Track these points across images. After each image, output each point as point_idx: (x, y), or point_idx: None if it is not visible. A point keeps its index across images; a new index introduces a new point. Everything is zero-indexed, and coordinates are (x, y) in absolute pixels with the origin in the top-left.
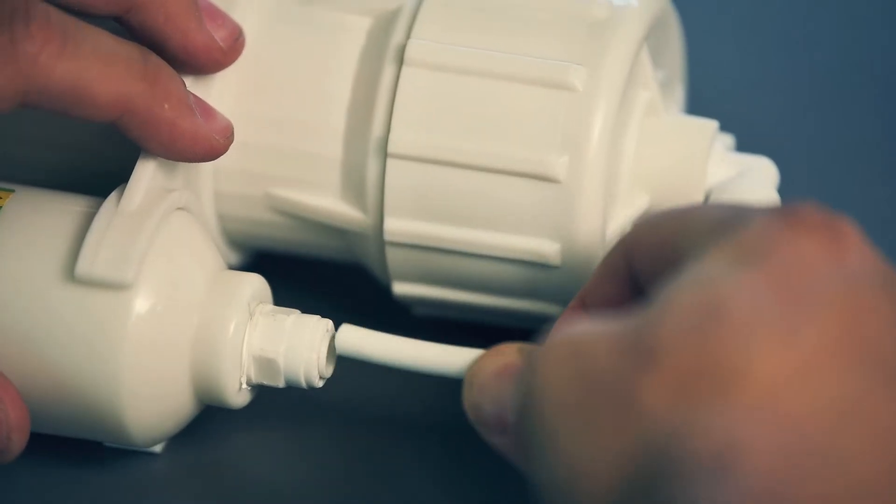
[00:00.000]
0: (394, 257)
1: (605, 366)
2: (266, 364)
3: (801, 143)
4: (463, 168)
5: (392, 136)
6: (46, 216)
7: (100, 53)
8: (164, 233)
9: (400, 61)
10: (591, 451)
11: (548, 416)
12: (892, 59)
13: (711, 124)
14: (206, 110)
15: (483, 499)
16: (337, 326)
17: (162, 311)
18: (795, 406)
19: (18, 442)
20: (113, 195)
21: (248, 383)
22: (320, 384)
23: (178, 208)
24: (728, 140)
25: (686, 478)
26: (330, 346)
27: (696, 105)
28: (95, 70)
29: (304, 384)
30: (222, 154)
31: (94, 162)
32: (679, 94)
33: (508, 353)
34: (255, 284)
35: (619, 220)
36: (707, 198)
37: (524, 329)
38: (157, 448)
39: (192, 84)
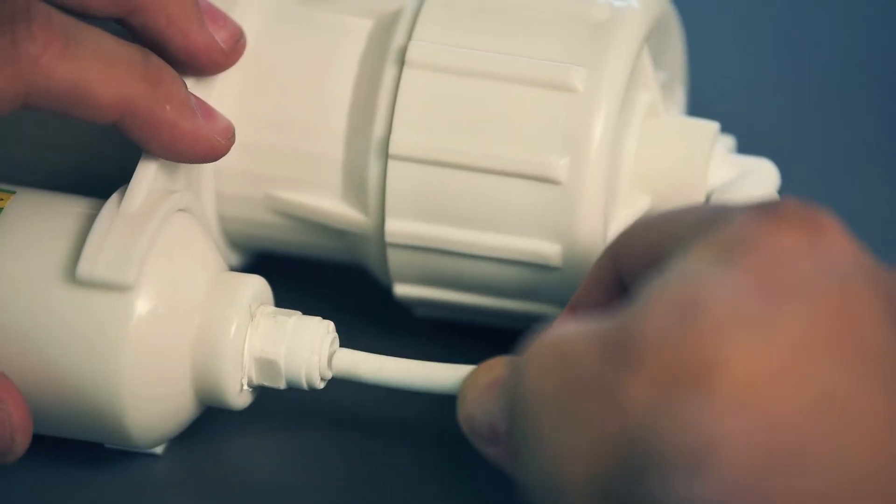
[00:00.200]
0: (395, 259)
1: (586, 364)
2: (267, 365)
3: (801, 145)
4: (464, 169)
5: (393, 138)
6: (47, 217)
7: (101, 54)
8: (166, 234)
9: (401, 63)
10: (574, 447)
11: (532, 415)
12: (892, 60)
13: (712, 126)
14: (208, 111)
15: (481, 502)
16: (338, 328)
17: (163, 313)
18: (775, 401)
19: (22, 443)
20: (114, 197)
21: (250, 385)
22: (321, 385)
23: (180, 210)
24: (729, 141)
25: (664, 472)
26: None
27: (697, 106)
28: (97, 71)
29: (305, 385)
30: (224, 155)
31: (95, 163)
32: (680, 95)
33: (498, 366)
34: (257, 286)
35: (620, 221)
36: (708, 199)
37: (524, 330)
38: (158, 449)
39: (193, 85)
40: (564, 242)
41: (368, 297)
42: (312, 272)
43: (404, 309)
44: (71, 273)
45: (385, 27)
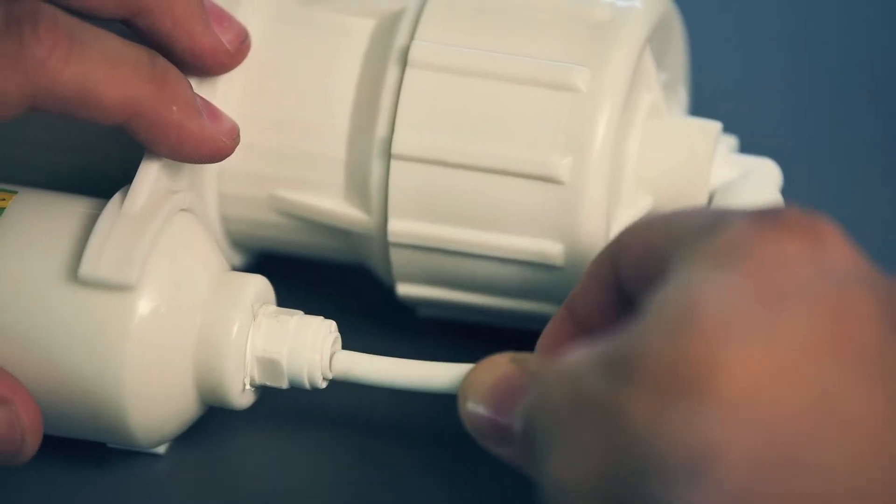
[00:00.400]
0: (398, 258)
1: (591, 383)
2: (269, 365)
3: (803, 144)
4: (467, 169)
5: (396, 138)
6: (50, 217)
7: (107, 56)
8: (168, 234)
9: (403, 63)
10: (581, 462)
11: (545, 431)
12: (893, 59)
13: (715, 126)
14: (213, 112)
15: (485, 501)
16: (340, 328)
17: (165, 313)
18: (773, 406)
19: (32, 444)
20: (116, 197)
21: (252, 384)
22: (324, 385)
23: (182, 210)
24: (731, 141)
25: (665, 480)
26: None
27: (699, 106)
28: (103, 73)
29: (307, 385)
30: (229, 155)
31: (96, 164)
32: (682, 95)
33: (502, 363)
34: (259, 285)
35: (623, 221)
36: (710, 199)
37: (527, 330)
38: (161, 449)
39: (197, 86)
40: (567, 242)
41: (371, 297)
42: (315, 272)
43: (407, 309)
44: (73, 273)
45: (387, 27)
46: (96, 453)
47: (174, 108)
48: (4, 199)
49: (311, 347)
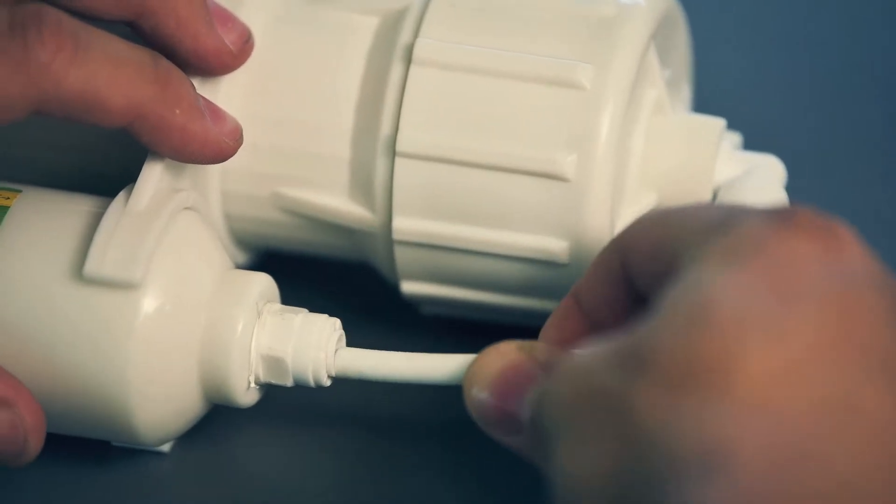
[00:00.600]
0: (402, 256)
1: (604, 379)
2: (274, 363)
3: (807, 141)
4: (471, 167)
5: (400, 135)
6: (54, 216)
7: (111, 59)
8: (172, 232)
9: (408, 60)
10: (593, 458)
11: (557, 427)
12: None
13: (719, 122)
14: (216, 113)
15: (491, 499)
16: (344, 326)
17: (170, 311)
18: (786, 403)
19: (35, 445)
20: (121, 195)
21: (257, 382)
22: (328, 383)
23: (186, 208)
24: (735, 138)
25: (678, 476)
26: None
27: (701, 103)
28: (107, 76)
29: (312, 383)
30: (232, 155)
31: (100, 163)
32: (685, 92)
33: (508, 351)
34: (263, 283)
35: (627, 218)
36: (715, 196)
37: (531, 326)
38: (165, 447)
39: (199, 85)
40: (572, 239)
41: (373, 295)
42: (318, 270)
43: (411, 306)
44: (78, 271)
45: (391, 25)
46: (101, 452)
47: (177, 110)
48: (9, 198)
49: (316, 345)
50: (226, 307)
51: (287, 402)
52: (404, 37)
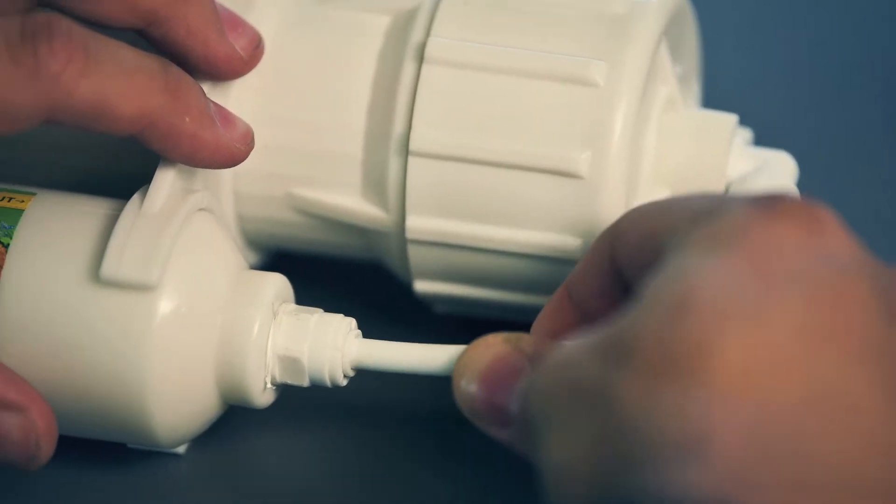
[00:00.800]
0: (416, 255)
1: (587, 369)
2: (291, 363)
3: (816, 137)
4: (485, 165)
5: (413, 134)
6: (69, 218)
7: (121, 68)
8: (187, 234)
9: (420, 59)
10: (577, 448)
11: (540, 420)
12: None
13: (731, 118)
14: (226, 118)
15: (502, 498)
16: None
17: (187, 312)
18: (767, 389)
19: (47, 449)
20: (136, 197)
21: (273, 383)
22: (344, 382)
23: (200, 209)
24: (746, 134)
25: (655, 463)
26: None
27: (709, 101)
28: (118, 85)
29: (328, 383)
30: (243, 160)
31: (114, 165)
32: (695, 88)
33: (495, 343)
34: (278, 284)
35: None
36: (727, 192)
37: None
38: (181, 449)
39: (210, 88)
40: (586, 236)
41: (385, 294)
42: (328, 269)
43: (423, 305)
44: (94, 273)
45: (402, 24)
46: (117, 454)
47: (187, 118)
48: (23, 201)
49: (332, 345)
50: (242, 308)
51: (300, 402)
52: (416, 36)
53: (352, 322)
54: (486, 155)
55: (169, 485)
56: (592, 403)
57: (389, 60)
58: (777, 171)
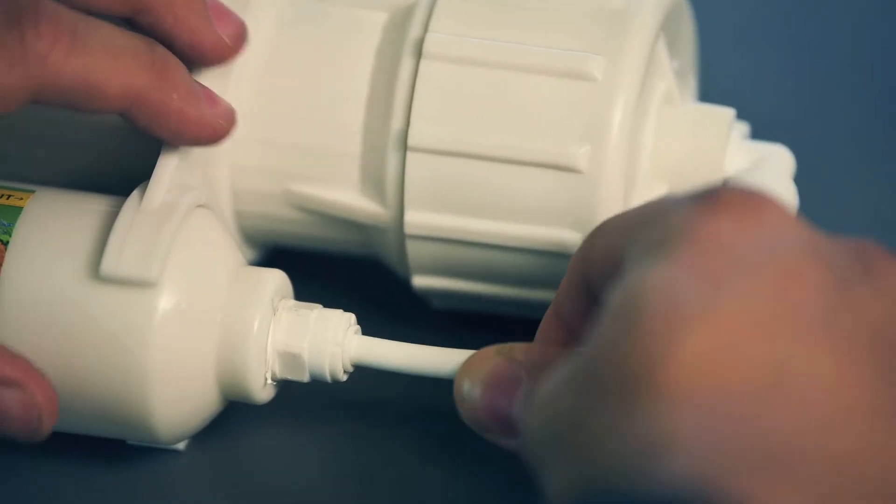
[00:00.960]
0: (414, 250)
1: (565, 411)
2: (291, 359)
3: (813, 130)
4: (483, 160)
5: (412, 130)
6: (68, 215)
7: (108, 48)
8: (187, 230)
9: (418, 55)
10: (566, 485)
11: (534, 458)
12: None
13: (728, 112)
14: (210, 96)
15: (503, 497)
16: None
17: (187, 309)
18: (723, 379)
19: (49, 421)
20: (135, 193)
21: (273, 378)
22: (344, 378)
23: (199, 206)
24: (743, 128)
25: (622, 482)
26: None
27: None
28: (105, 65)
29: (328, 378)
30: (226, 136)
31: (112, 162)
32: (692, 83)
33: (487, 358)
34: (278, 280)
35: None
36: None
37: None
38: (180, 445)
39: (210, 82)
40: (585, 231)
41: (383, 290)
42: (326, 265)
43: (421, 301)
44: (94, 270)
45: (400, 20)
46: (117, 451)
47: (175, 95)
48: (22, 199)
49: (333, 340)
50: (242, 304)
51: (300, 398)
52: (414, 31)
53: (351, 318)
54: (484, 150)
55: (169, 481)
56: (574, 441)
57: (387, 56)
58: (774, 165)
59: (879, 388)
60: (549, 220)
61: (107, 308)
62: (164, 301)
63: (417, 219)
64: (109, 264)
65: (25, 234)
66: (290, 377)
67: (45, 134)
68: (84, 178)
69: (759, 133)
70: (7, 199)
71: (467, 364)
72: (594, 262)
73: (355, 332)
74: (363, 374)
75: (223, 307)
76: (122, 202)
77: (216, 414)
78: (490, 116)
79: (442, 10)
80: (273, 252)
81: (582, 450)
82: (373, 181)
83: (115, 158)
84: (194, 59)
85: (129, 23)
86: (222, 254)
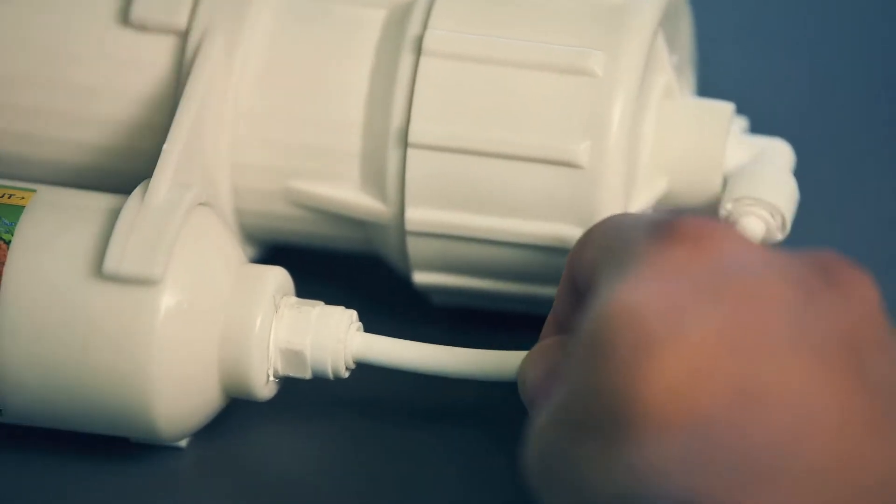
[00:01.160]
0: (415, 247)
1: (554, 454)
2: (293, 356)
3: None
4: (484, 156)
5: (412, 127)
6: (70, 214)
7: None
8: (188, 228)
9: (417, 52)
10: None
11: (531, 484)
12: None
13: (728, 107)
14: None
15: (504, 494)
16: None
17: (189, 307)
18: (694, 404)
19: None
20: (136, 192)
21: (275, 376)
22: (346, 375)
23: (200, 204)
24: (742, 122)
25: None
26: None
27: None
28: None
29: (330, 375)
30: None
31: (113, 162)
32: (690, 77)
33: (550, 353)
34: (279, 277)
35: (639, 204)
36: (725, 181)
37: (544, 316)
38: (183, 442)
39: (210, 81)
40: (586, 226)
41: (384, 287)
42: (325, 262)
43: (421, 297)
44: (96, 268)
45: (399, 17)
46: (119, 448)
47: None
48: (24, 198)
49: (335, 337)
50: (244, 302)
51: (303, 396)
52: (413, 28)
53: (353, 314)
54: (485, 146)
55: (171, 478)
56: (565, 474)
57: (387, 53)
58: (774, 159)
59: (851, 393)
60: (550, 216)
61: (109, 306)
62: (167, 299)
63: (418, 215)
64: (112, 262)
65: (27, 232)
66: (292, 374)
67: (45, 133)
68: (85, 177)
69: (757, 128)
70: (9, 198)
71: (527, 360)
72: (580, 270)
73: (357, 330)
74: (364, 371)
75: (225, 305)
76: (124, 200)
77: (218, 411)
78: (490, 113)
79: (441, 6)
80: (273, 250)
81: (574, 483)
82: (373, 178)
83: (116, 157)
84: None
85: None
86: (224, 251)
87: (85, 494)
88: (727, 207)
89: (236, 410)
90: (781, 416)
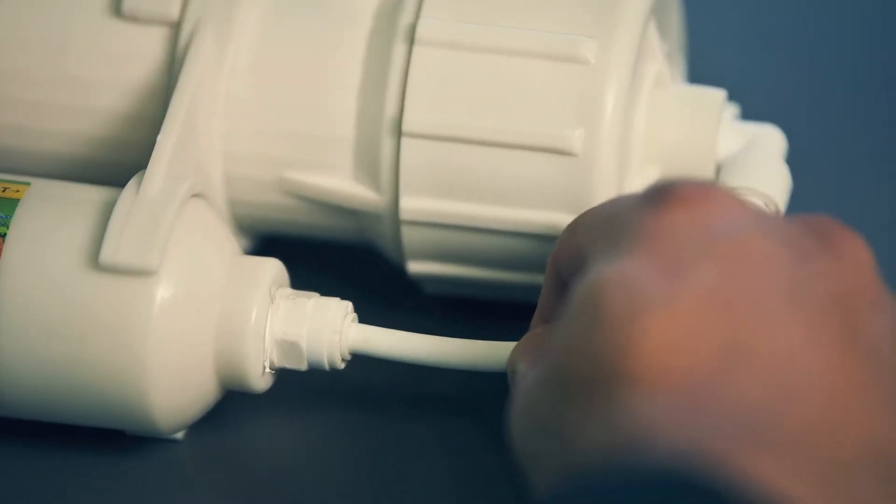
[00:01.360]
0: (409, 236)
1: (541, 412)
2: (289, 348)
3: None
4: (477, 144)
5: (406, 116)
6: (65, 206)
7: None
8: (183, 219)
9: (410, 41)
10: (545, 477)
11: (518, 456)
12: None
13: (719, 94)
14: None
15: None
16: None
17: (185, 298)
18: (686, 368)
19: None
20: (131, 183)
21: (271, 367)
22: (342, 366)
23: (194, 195)
24: (733, 109)
25: (609, 471)
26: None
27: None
28: None
29: (326, 366)
30: None
31: (107, 153)
32: (681, 65)
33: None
34: (275, 269)
35: (632, 191)
36: (718, 168)
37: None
38: (179, 435)
39: (203, 72)
40: (579, 214)
41: (378, 276)
42: (319, 253)
43: (416, 287)
44: (92, 260)
45: (392, 6)
46: (115, 440)
47: None
48: (18, 191)
49: (331, 328)
50: (239, 293)
51: (299, 387)
52: (406, 17)
53: (348, 305)
54: (478, 134)
55: (167, 470)
56: (553, 439)
57: (380, 42)
58: (766, 146)
59: (843, 355)
60: (544, 204)
61: (105, 297)
62: (163, 290)
63: (412, 204)
64: (108, 253)
65: (23, 225)
66: (288, 366)
67: (38, 125)
68: (78, 169)
69: (749, 115)
70: (3, 191)
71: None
72: (564, 260)
73: (353, 321)
74: (360, 362)
75: (221, 296)
76: (119, 192)
77: (214, 403)
78: (484, 101)
79: None
80: (266, 241)
81: (560, 442)
82: (367, 168)
83: (109, 148)
84: None
85: None
86: (219, 243)
87: (81, 487)
88: None
89: (232, 402)
90: (773, 373)
